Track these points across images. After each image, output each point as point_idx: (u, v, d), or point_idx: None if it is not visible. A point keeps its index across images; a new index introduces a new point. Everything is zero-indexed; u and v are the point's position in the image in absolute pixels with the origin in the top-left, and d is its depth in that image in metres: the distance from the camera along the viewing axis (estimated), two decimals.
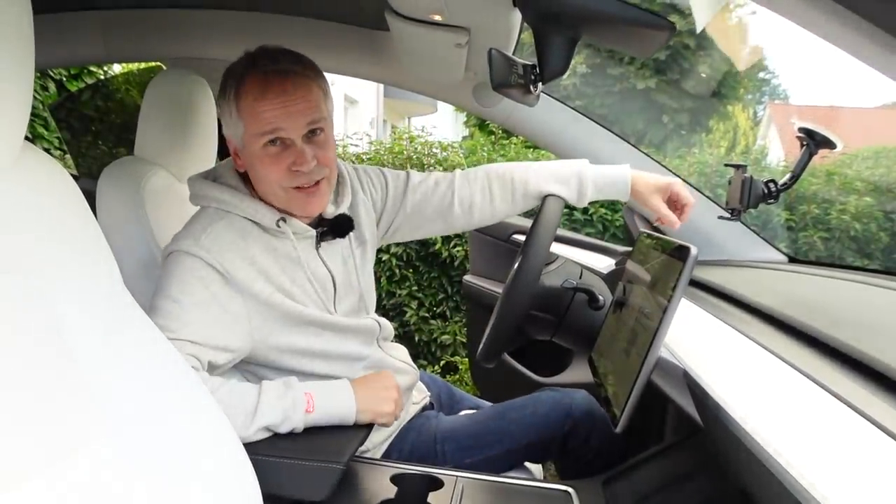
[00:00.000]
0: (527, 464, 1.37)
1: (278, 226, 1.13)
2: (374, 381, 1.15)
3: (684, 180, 1.61)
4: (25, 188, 0.67)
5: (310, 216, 1.19)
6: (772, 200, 1.25)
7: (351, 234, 1.25)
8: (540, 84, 1.09)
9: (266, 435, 1.02)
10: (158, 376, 0.75)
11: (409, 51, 1.45)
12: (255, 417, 1.00)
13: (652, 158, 1.65)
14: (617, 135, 1.66)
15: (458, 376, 3.32)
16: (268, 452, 0.96)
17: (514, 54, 1.22)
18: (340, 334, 1.21)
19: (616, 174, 1.35)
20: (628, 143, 1.66)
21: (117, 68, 3.40)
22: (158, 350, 0.77)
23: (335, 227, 1.22)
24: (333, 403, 1.07)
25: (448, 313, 3.50)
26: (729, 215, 1.34)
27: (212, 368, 1.06)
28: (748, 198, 1.25)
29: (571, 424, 1.28)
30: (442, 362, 3.40)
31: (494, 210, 1.37)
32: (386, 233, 1.38)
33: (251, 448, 0.89)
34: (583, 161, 1.37)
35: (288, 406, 1.03)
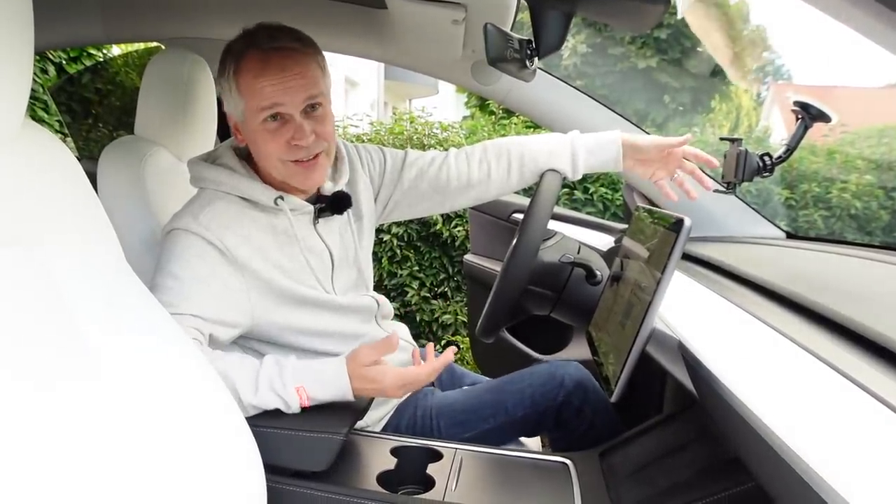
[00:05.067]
0: (522, 439, 1.39)
1: (276, 203, 1.15)
2: (371, 378, 1.05)
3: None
4: (27, 163, 0.68)
5: (309, 190, 1.20)
6: (767, 174, 1.26)
7: (349, 210, 1.26)
8: (536, 59, 1.09)
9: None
10: (161, 349, 0.77)
11: (407, 28, 1.45)
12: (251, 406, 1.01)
13: None
14: (617, 112, 1.66)
15: (459, 355, 3.34)
16: (268, 424, 0.98)
17: (511, 31, 1.22)
18: (338, 313, 1.23)
19: (606, 138, 1.33)
20: (629, 121, 1.66)
21: (116, 50, 3.39)
22: (160, 323, 0.79)
23: (333, 204, 1.23)
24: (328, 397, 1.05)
25: (449, 293, 3.52)
26: (724, 189, 1.34)
27: (213, 342, 1.08)
28: (743, 171, 1.25)
29: (564, 395, 1.29)
30: (443, 342, 3.42)
31: (490, 186, 1.37)
32: (384, 209, 1.38)
33: (252, 419, 0.90)
34: (574, 132, 1.36)
35: (282, 403, 1.02)
